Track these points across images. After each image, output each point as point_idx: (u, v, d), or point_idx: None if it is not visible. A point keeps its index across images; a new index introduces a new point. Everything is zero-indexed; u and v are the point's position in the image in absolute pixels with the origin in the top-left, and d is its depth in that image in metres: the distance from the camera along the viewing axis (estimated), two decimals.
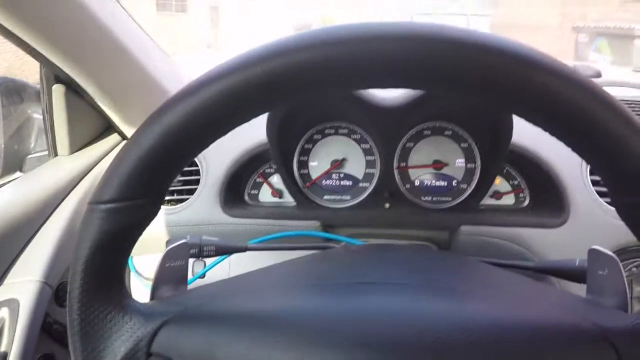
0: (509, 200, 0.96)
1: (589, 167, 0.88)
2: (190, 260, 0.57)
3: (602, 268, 0.46)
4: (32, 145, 1.12)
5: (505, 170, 0.95)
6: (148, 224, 0.39)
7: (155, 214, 0.39)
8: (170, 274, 0.47)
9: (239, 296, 0.44)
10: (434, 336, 0.36)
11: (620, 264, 0.46)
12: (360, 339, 0.36)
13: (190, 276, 0.53)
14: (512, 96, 0.33)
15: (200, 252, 0.66)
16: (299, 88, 0.34)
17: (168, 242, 0.93)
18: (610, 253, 0.46)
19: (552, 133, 0.35)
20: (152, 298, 0.46)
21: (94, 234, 0.37)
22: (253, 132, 0.93)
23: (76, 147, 1.01)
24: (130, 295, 0.41)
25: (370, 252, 0.58)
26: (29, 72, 1.28)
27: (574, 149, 0.36)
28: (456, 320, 0.37)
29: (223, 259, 0.79)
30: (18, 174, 1.07)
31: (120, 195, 0.36)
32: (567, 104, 0.32)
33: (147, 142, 0.35)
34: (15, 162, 1.08)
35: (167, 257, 0.47)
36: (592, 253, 0.48)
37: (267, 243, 0.76)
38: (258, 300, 0.43)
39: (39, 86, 1.01)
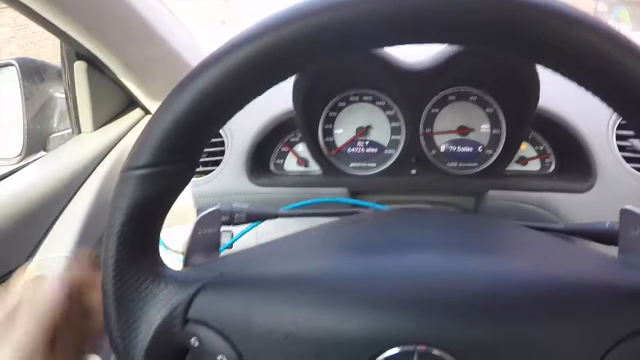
0: (534, 165, 0.95)
1: (615, 131, 0.87)
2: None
3: (634, 228, 0.46)
4: (55, 124, 1.12)
5: (530, 136, 0.94)
6: (182, 189, 0.39)
7: (189, 179, 0.39)
8: (203, 242, 0.47)
9: (272, 260, 0.44)
10: (470, 293, 0.36)
11: None
12: (393, 299, 0.36)
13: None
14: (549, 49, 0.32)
15: (232, 219, 0.66)
16: (331, 46, 0.33)
17: (199, 211, 0.93)
18: None
19: (586, 86, 0.34)
20: (185, 265, 0.46)
21: (128, 200, 0.36)
22: (277, 101, 0.93)
23: (99, 123, 1.01)
24: (164, 263, 0.41)
25: (400, 214, 0.58)
26: (44, 57, 1.27)
27: (608, 102, 0.35)
28: (492, 279, 0.37)
29: (251, 228, 0.79)
30: (42, 153, 1.08)
31: (154, 160, 0.36)
32: (602, 56, 0.31)
33: (181, 105, 0.35)
34: (38, 142, 1.08)
35: (199, 224, 0.47)
36: (624, 213, 0.47)
37: (297, 210, 0.76)
38: (292, 263, 0.43)
39: (59, 65, 1.01)
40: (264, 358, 0.37)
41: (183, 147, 0.36)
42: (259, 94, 0.36)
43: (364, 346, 0.35)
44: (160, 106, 0.36)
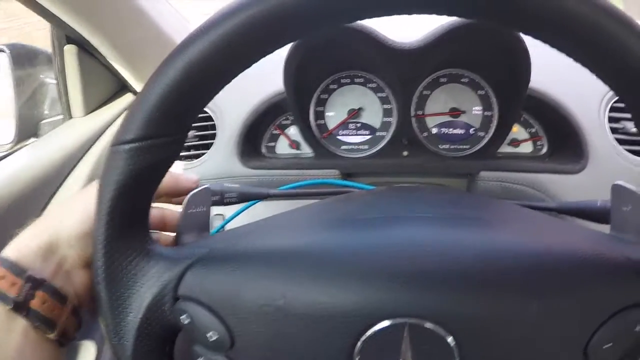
0: (526, 148, 0.95)
1: (607, 114, 0.87)
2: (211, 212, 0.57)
3: (626, 204, 0.45)
4: (46, 111, 1.11)
5: (522, 118, 0.94)
6: (172, 163, 0.39)
7: (178, 152, 0.39)
8: (193, 220, 0.46)
9: (262, 235, 0.44)
10: (462, 266, 0.36)
11: None
12: (384, 272, 0.36)
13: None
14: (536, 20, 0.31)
15: (222, 199, 0.66)
16: (323, 17, 0.33)
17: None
18: (634, 188, 0.45)
19: (576, 58, 0.34)
20: (175, 244, 0.46)
21: (118, 175, 0.36)
22: (268, 83, 0.93)
23: (90, 108, 1.01)
24: (154, 241, 0.41)
25: (390, 191, 0.58)
26: None
27: (599, 75, 0.34)
28: (484, 250, 0.37)
29: (243, 210, 0.79)
30: (33, 139, 1.07)
31: (144, 133, 0.35)
32: (591, 27, 0.31)
33: (170, 78, 0.34)
34: (29, 129, 1.08)
35: (190, 203, 0.47)
36: (616, 189, 0.46)
37: (288, 190, 0.76)
38: (281, 238, 0.42)
39: (50, 50, 1.00)
40: (255, 333, 0.37)
41: (173, 119, 0.36)
42: (249, 65, 0.36)
43: (354, 319, 0.35)
44: (149, 80, 0.35)
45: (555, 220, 0.48)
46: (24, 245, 0.42)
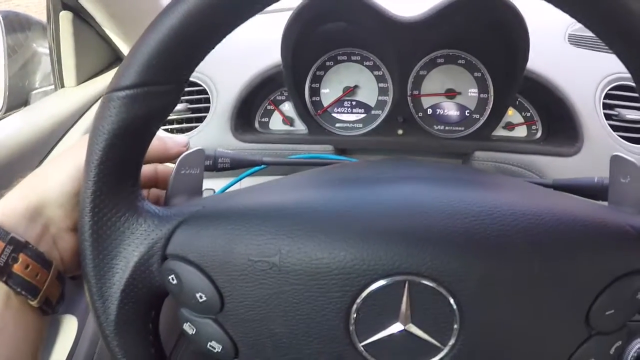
0: (521, 132, 0.95)
1: (602, 100, 0.88)
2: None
3: (624, 175, 0.45)
4: (38, 81, 1.10)
5: (517, 102, 0.94)
6: (167, 114, 0.38)
7: (174, 104, 0.37)
8: (185, 182, 0.45)
9: (255, 193, 0.42)
10: (463, 223, 0.35)
11: None
12: (383, 229, 0.35)
13: None
14: None
15: (215, 163, 0.65)
16: None
17: None
18: (633, 160, 0.45)
19: (585, 23, 0.34)
20: (166, 205, 0.44)
21: (111, 123, 0.34)
22: (263, 56, 0.92)
23: (83, 78, 1.00)
24: (144, 197, 0.40)
25: (391, 159, 0.57)
26: None
27: (607, 42, 0.34)
28: (485, 209, 0.36)
29: (236, 182, 0.78)
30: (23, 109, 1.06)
31: (140, 80, 0.34)
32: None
33: (169, 25, 0.33)
34: (20, 98, 1.06)
35: (182, 163, 0.46)
36: (614, 160, 0.46)
37: (282, 159, 0.75)
38: (276, 195, 0.41)
39: (43, 20, 0.99)
40: (246, 294, 0.36)
41: (170, 68, 0.35)
42: (250, 15, 0.35)
43: (352, 276, 0.34)
44: (147, 28, 0.34)
45: (554, 191, 0.48)
46: (9, 207, 0.40)
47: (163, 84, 0.35)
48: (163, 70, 0.35)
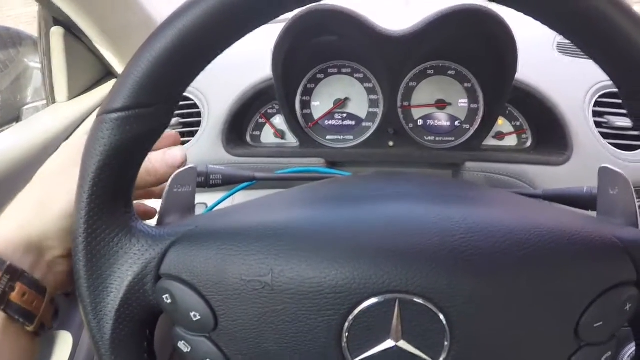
0: (511, 141, 0.96)
1: (592, 108, 0.89)
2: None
3: (613, 187, 0.45)
4: (30, 96, 1.10)
5: (507, 111, 0.95)
6: (159, 135, 0.38)
7: (166, 124, 0.38)
8: (178, 200, 0.45)
9: (248, 212, 0.43)
10: (450, 243, 0.35)
11: (631, 183, 0.45)
12: (373, 248, 0.35)
13: None
14: None
15: (207, 180, 0.65)
16: None
17: None
18: (620, 171, 0.45)
19: (568, 36, 0.34)
20: (158, 224, 0.44)
21: (104, 145, 0.35)
22: (254, 71, 0.93)
23: (75, 93, 1.00)
24: (137, 217, 0.40)
25: (381, 174, 0.57)
26: None
27: (591, 56, 0.35)
28: (473, 226, 0.36)
29: (228, 197, 0.78)
30: (14, 124, 1.06)
31: (132, 102, 0.34)
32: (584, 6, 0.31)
33: (160, 47, 0.34)
34: (12, 114, 1.07)
35: (175, 181, 0.46)
36: (603, 172, 0.46)
37: (274, 174, 0.75)
38: (268, 214, 0.41)
39: (35, 36, 1.00)
40: (239, 312, 0.36)
41: (161, 89, 0.35)
42: (241, 36, 0.35)
43: (343, 295, 0.34)
44: (139, 49, 0.35)
45: (542, 203, 0.49)
46: (5, 237, 0.41)
47: (154, 106, 0.36)
48: (154, 93, 0.35)
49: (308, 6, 0.36)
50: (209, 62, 0.36)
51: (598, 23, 0.32)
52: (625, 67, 0.34)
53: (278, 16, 0.35)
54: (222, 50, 0.36)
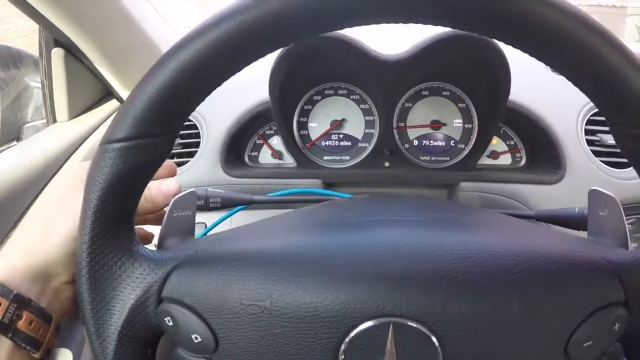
0: (505, 160, 0.97)
1: (584, 126, 0.90)
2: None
3: (603, 209, 0.46)
4: (30, 115, 1.11)
5: (502, 131, 0.96)
6: (160, 163, 0.39)
7: (168, 152, 0.39)
8: (178, 224, 0.46)
9: (247, 237, 0.44)
10: (444, 266, 0.37)
11: (620, 204, 0.46)
12: (367, 273, 0.37)
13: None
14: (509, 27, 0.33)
15: (207, 204, 0.66)
16: (315, 22, 0.34)
17: None
18: (610, 193, 0.46)
19: (552, 65, 0.36)
20: (159, 247, 0.45)
21: (106, 174, 0.36)
22: (252, 93, 0.94)
23: (75, 113, 1.01)
24: (139, 242, 0.41)
25: (376, 197, 0.59)
26: None
27: (575, 82, 0.36)
28: (464, 251, 0.38)
29: (227, 217, 0.79)
30: (15, 143, 1.06)
31: (134, 132, 0.35)
32: (567, 36, 0.32)
33: (162, 79, 0.35)
34: (12, 132, 1.07)
35: (175, 206, 0.47)
36: (593, 194, 0.48)
37: (272, 197, 0.76)
38: (266, 240, 0.43)
39: (35, 54, 1.01)
40: (239, 335, 0.37)
41: (163, 120, 0.36)
42: (240, 68, 0.36)
43: (339, 319, 0.36)
44: (141, 80, 0.36)
45: (533, 225, 0.50)
46: (11, 265, 0.42)
47: (156, 136, 0.37)
48: (156, 123, 0.36)
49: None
50: (209, 93, 0.37)
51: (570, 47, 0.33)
52: (608, 98, 0.35)
53: (279, 48, 0.37)
54: (222, 82, 0.37)
